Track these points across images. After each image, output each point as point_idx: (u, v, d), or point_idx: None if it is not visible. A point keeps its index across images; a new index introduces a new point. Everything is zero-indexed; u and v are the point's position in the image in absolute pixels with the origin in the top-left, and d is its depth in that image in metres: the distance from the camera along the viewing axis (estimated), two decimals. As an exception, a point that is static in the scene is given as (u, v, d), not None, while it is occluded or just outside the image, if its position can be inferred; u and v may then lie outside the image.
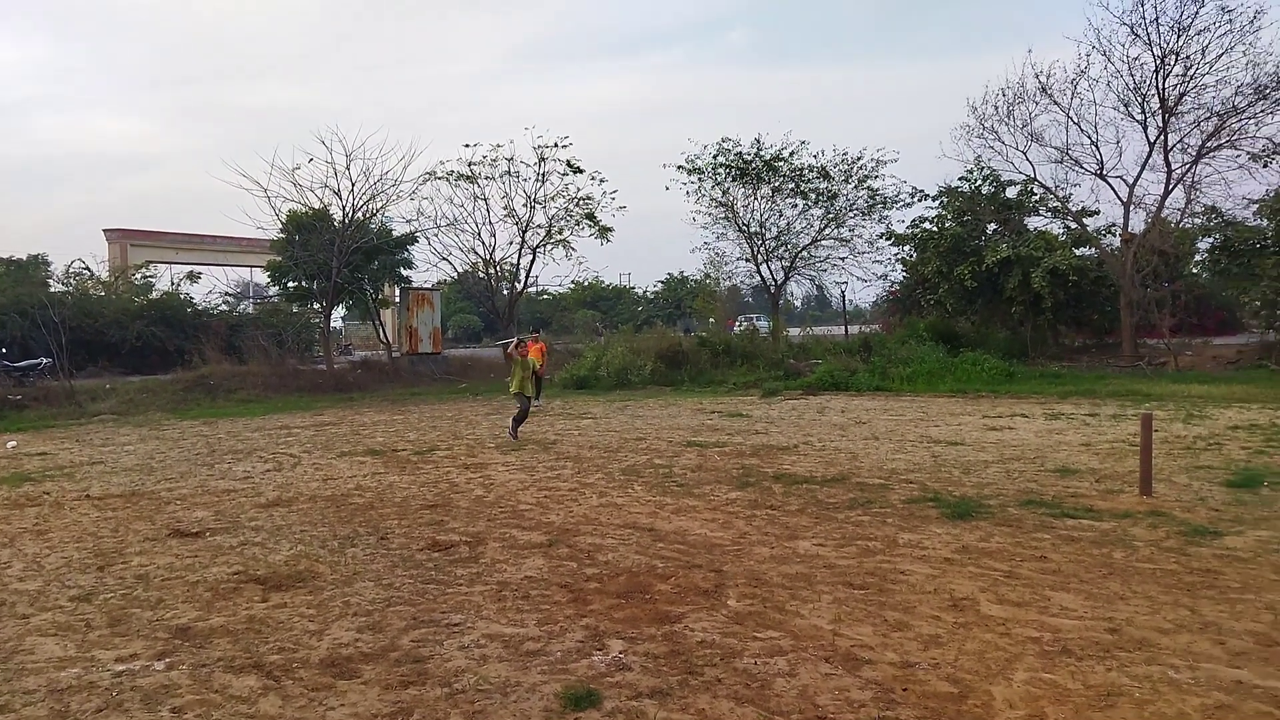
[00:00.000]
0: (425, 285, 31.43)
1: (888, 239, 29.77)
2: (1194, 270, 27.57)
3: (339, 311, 31.92)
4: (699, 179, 30.33)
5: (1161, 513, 7.45)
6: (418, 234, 28.81)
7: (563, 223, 30.75)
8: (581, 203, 30.42)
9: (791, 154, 29.31)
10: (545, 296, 52.50)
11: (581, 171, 29.97)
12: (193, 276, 31.47)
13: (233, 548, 7.16)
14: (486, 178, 30.04)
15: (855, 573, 5.99)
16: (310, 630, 5.15)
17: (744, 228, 30.58)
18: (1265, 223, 22.59)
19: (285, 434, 15.02)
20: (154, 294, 29.40)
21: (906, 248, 29.23)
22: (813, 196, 29.81)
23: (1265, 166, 23.38)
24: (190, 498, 9.33)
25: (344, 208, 25.51)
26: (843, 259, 30.97)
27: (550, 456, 11.77)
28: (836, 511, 7.93)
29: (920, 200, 28.84)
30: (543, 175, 29.86)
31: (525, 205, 30.38)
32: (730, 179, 30.03)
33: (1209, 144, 23.94)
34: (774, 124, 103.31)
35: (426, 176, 28.93)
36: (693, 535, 7.19)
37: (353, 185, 25.21)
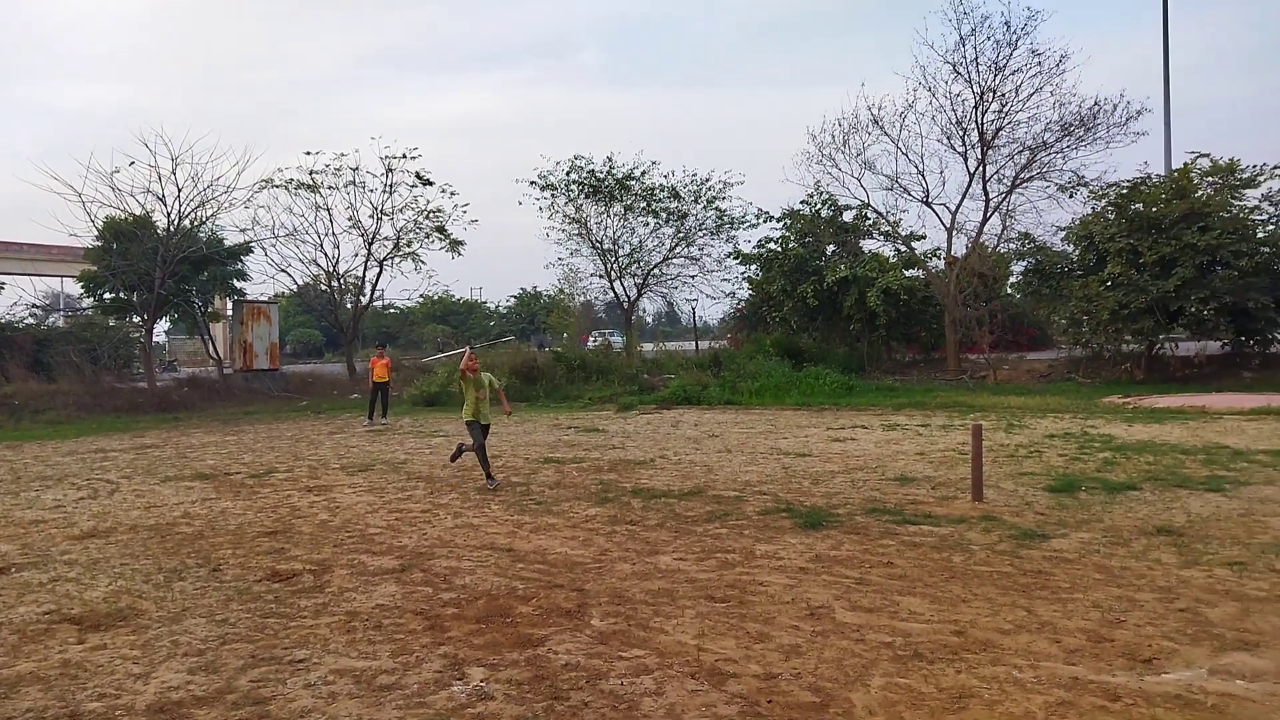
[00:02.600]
0: (261, 298, 29.79)
1: (735, 258, 30.68)
2: (1009, 291, 29.87)
3: (162, 325, 29.74)
4: (552, 195, 30.32)
5: (993, 517, 7.93)
6: (253, 244, 27.29)
7: (412, 235, 29.94)
8: (432, 215, 29.75)
9: (643, 173, 29.79)
10: (392, 310, 50.91)
11: (431, 184, 29.33)
12: (-5, 287, 28.53)
13: (43, 584, 6.44)
14: (330, 187, 28.91)
15: (716, 586, 6.03)
16: (134, 674, 4.66)
17: (597, 244, 30.75)
18: (1071, 248, 24.74)
19: (101, 458, 13.75)
20: (-54, 305, 26.42)
21: (753, 267, 30.24)
22: (664, 215, 30.37)
23: (1071, 197, 25.77)
24: (-14, 532, 8.33)
25: (169, 215, 23.84)
26: (693, 277, 31.71)
27: (400, 477, 11.31)
28: (695, 525, 7.99)
29: (765, 221, 29.91)
30: (390, 186, 29.04)
31: (372, 217, 29.44)
32: (583, 196, 30.16)
33: (1022, 175, 26.16)
34: (626, 144, 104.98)
35: (263, 184, 27.50)
36: (553, 554, 7.05)
37: (179, 191, 23.63)
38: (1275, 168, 22.12)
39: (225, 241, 26.09)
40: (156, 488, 10.76)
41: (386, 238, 29.82)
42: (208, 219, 24.93)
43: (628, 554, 6.98)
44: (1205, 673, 4.25)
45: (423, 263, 30.41)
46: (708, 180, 30.04)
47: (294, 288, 32.08)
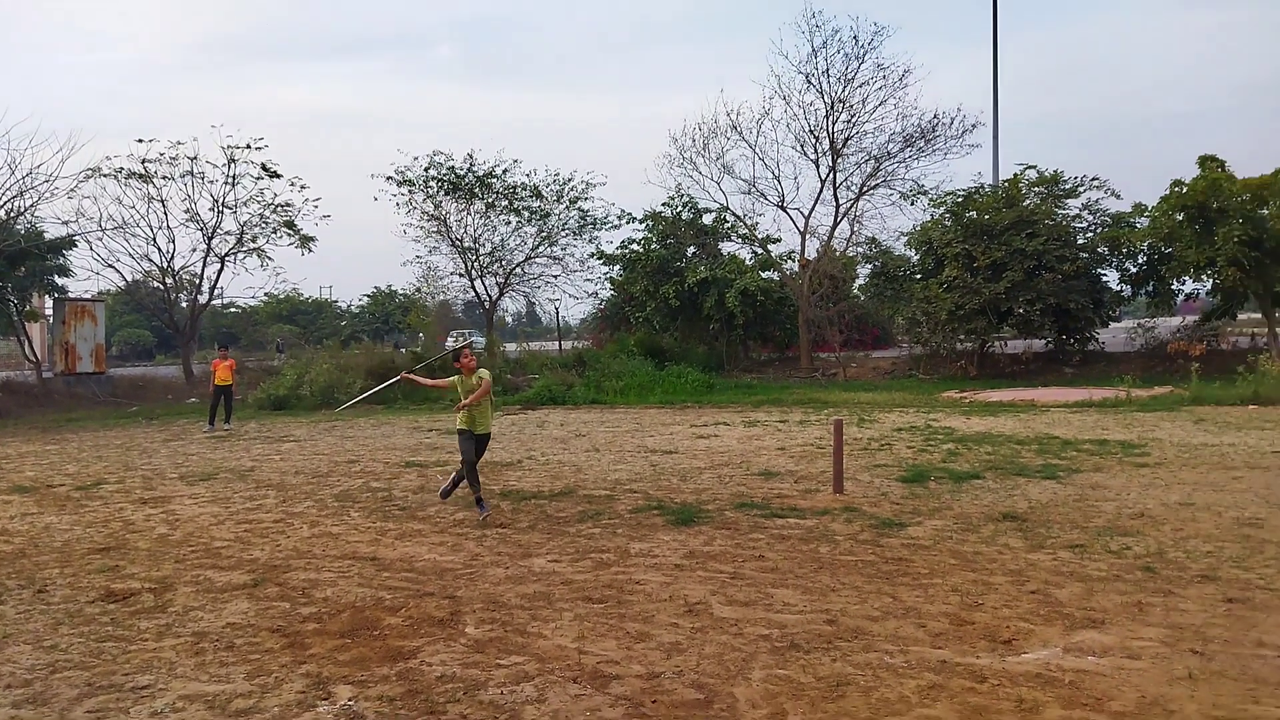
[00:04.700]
0: (85, 296, 27.42)
1: (598, 258, 30.75)
2: (856, 293, 31.34)
3: (-32, 325, 26.83)
4: (410, 191, 29.36)
5: (854, 508, 8.23)
6: (77, 238, 25.06)
7: (257, 230, 28.29)
8: (279, 209, 28.18)
9: (505, 171, 29.32)
10: (234, 309, 48.04)
11: (279, 176, 27.78)
12: None
13: None
14: (164, 177, 26.90)
15: (593, 586, 5.94)
16: (-61, 717, 4.12)
17: (457, 242, 30.03)
18: (913, 253, 26.23)
19: (-106, 473, 12.23)
20: None
21: (615, 267, 30.40)
22: (526, 214, 30.00)
23: (912, 204, 27.37)
24: None
25: (-21, 205, 21.55)
26: (556, 277, 31.47)
27: (248, 485, 10.62)
28: (568, 525, 7.88)
29: (628, 223, 30.13)
30: (233, 178, 27.31)
31: (212, 210, 27.59)
32: (443, 193, 29.38)
33: (868, 183, 27.53)
34: (487, 142, 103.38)
35: (90, 173, 25.28)
36: (421, 561, 6.77)
37: (-10, 179, 21.38)
38: (1094, 179, 24.24)
39: (46, 234, 23.83)
40: (-37, 504, 9.66)
41: (229, 232, 28.06)
42: (26, 210, 22.72)
43: (500, 558, 6.79)
44: (1060, 651, 4.52)
45: (269, 259, 28.79)
46: (570, 180, 29.94)
47: (122, 284, 29.71)
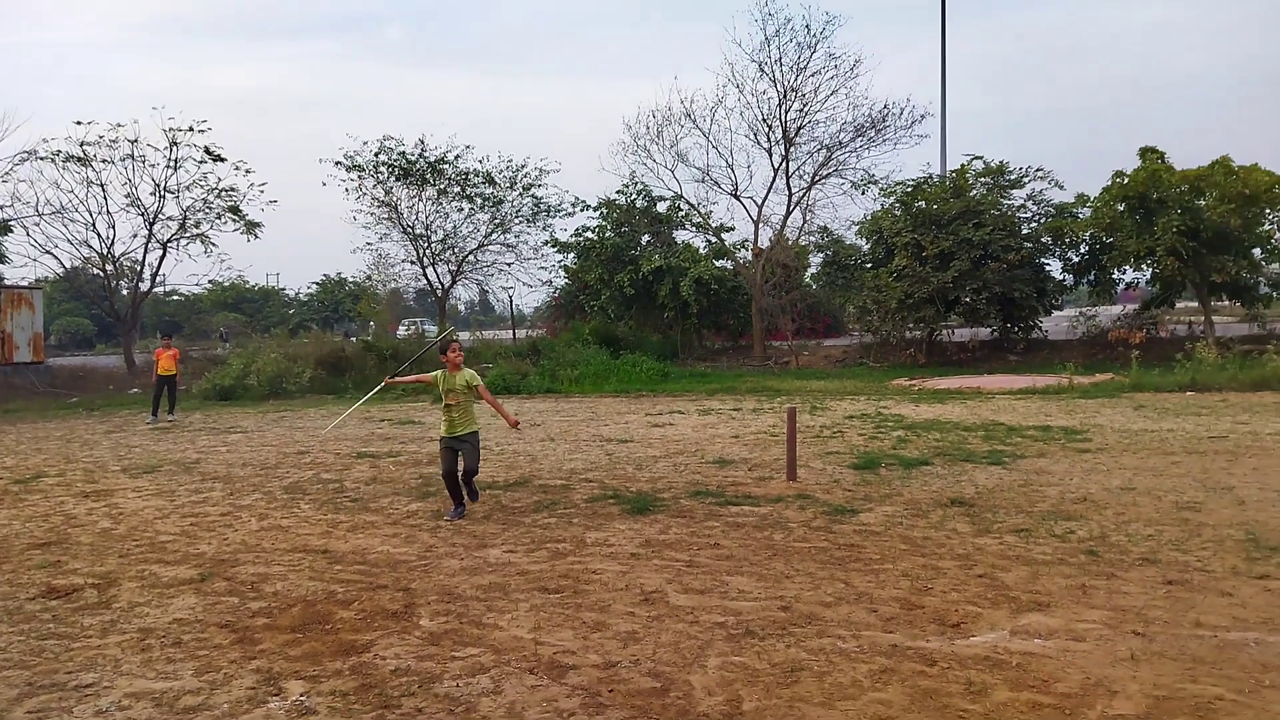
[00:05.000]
0: (22, 283, 26.56)
1: (552, 246, 30.58)
2: (809, 281, 31.65)
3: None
4: (360, 177, 28.87)
5: (807, 495, 8.32)
6: (12, 223, 24.23)
7: (201, 215, 27.60)
8: (224, 194, 27.53)
9: (457, 157, 28.97)
10: (177, 297, 46.90)
11: (224, 160, 27.16)
12: None
13: None
14: (104, 161, 26.11)
15: (549, 576, 5.93)
16: None
17: (409, 229, 29.63)
18: (864, 242, 26.53)
19: None
20: None
21: (570, 255, 30.25)
22: (479, 201, 29.68)
23: (863, 194, 27.68)
24: None
25: (-92, 188, 20.69)
26: (509, 265, 31.23)
27: (193, 478, 10.39)
28: (523, 515, 7.85)
29: (582, 210, 30.01)
30: (175, 161, 26.60)
31: (154, 194, 26.85)
32: (394, 178, 28.93)
33: (820, 172, 27.77)
34: (439, 127, 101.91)
35: (26, 155, 24.46)
36: (374, 554, 6.69)
37: (-81, 161, 20.54)
38: (1038, 170, 24.75)
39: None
40: (-109, 500, 9.31)
41: (171, 217, 27.37)
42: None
43: (455, 549, 6.74)
44: (1007, 634, 4.64)
45: (214, 245, 28.15)
46: (524, 167, 29.69)
47: (61, 271, 28.80)
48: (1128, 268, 22.76)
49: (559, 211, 30.51)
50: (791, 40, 28.93)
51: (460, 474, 7.77)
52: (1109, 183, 21.76)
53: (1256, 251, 20.94)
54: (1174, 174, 20.61)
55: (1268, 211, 20.15)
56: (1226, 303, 23.61)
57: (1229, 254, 20.15)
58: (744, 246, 29.86)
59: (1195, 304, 23.95)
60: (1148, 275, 22.75)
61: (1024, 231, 24.12)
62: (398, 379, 9.20)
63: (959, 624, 4.82)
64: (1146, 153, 21.47)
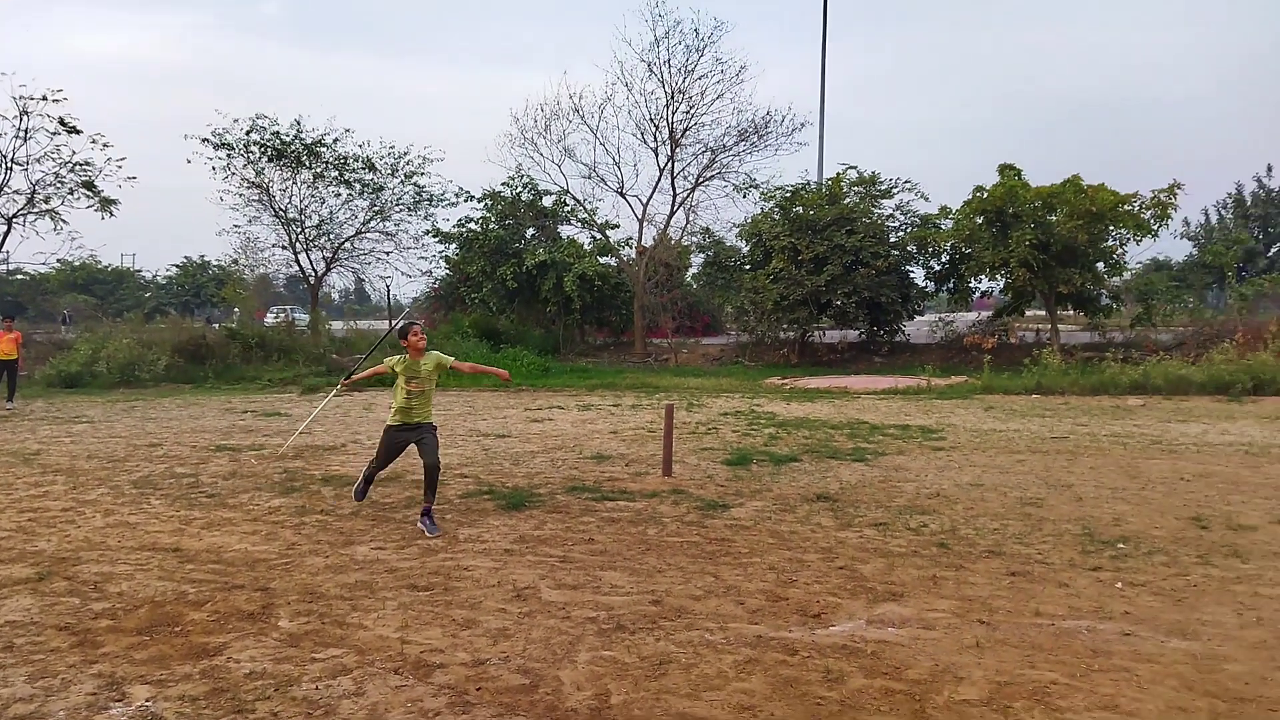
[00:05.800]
0: None
1: (433, 236, 29.91)
2: (689, 281, 32.16)
3: None
4: (229, 155, 27.37)
5: (681, 491, 8.46)
6: None
7: (51, 190, 25.58)
8: (78, 169, 25.59)
9: (335, 140, 27.85)
10: (21, 276, 43.39)
11: (79, 132, 25.14)
12: None
13: None
14: (-60, 128, 23.82)
15: (419, 574, 5.81)
16: None
17: (281, 213, 28.32)
18: (743, 244, 27.17)
19: None
20: None
21: (452, 246, 29.69)
22: (358, 187, 28.68)
23: (745, 197, 28.34)
24: None
25: None
26: (388, 253, 30.29)
27: (33, 470, 9.65)
28: (393, 512, 7.66)
29: (466, 201, 29.49)
30: (25, 132, 24.54)
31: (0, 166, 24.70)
32: (266, 159, 27.57)
33: (704, 175, 28.26)
34: (316, 108, 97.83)
35: None
36: (230, 552, 6.39)
37: None
38: (906, 182, 25.93)
39: None
40: None
41: (18, 191, 25.22)
42: None
43: (319, 546, 6.52)
44: (864, 623, 4.85)
45: (64, 223, 26.10)
46: (406, 154, 28.84)
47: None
48: (983, 277, 24.09)
49: (442, 201, 29.83)
50: (680, 43, 29.43)
51: (425, 467, 7.11)
52: (970, 196, 23.01)
53: (1100, 265, 22.53)
54: (1029, 190, 21.95)
55: (1111, 228, 21.73)
56: (1071, 312, 25.30)
57: (1075, 267, 21.61)
58: (628, 244, 30.08)
59: (1043, 313, 25.59)
60: (1001, 285, 24.13)
61: (892, 240, 25.23)
62: (355, 377, 8.58)
63: (820, 614, 5.01)
64: (1005, 169, 22.81)
